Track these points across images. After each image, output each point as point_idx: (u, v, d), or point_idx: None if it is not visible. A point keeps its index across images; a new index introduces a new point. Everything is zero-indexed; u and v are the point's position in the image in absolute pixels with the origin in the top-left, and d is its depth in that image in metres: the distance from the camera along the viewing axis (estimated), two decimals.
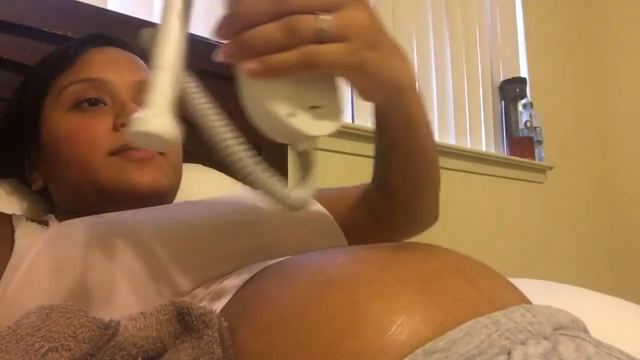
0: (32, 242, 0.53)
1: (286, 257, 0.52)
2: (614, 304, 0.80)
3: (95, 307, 0.47)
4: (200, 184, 0.90)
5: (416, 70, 1.82)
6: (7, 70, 0.84)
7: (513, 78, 2.17)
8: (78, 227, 0.53)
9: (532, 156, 2.13)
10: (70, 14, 0.90)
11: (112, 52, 0.73)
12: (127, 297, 0.48)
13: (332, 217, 0.69)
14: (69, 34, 0.89)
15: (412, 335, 0.37)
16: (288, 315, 0.41)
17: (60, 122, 0.67)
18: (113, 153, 0.64)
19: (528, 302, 0.46)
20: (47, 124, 0.69)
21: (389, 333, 0.37)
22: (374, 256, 0.47)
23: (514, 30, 2.29)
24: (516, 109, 2.14)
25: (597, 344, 0.38)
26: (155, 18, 1.17)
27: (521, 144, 2.12)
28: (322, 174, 1.47)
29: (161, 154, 0.67)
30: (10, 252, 0.53)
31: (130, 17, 1.00)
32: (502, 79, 2.18)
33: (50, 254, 0.51)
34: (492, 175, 2.00)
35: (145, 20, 1.02)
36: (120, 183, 0.63)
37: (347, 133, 1.54)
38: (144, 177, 0.64)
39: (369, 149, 1.66)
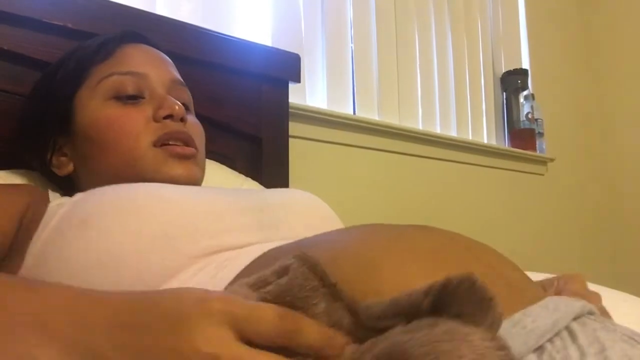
0: (62, 203, 0.59)
1: (298, 240, 0.54)
2: (614, 297, 0.81)
3: (106, 267, 0.50)
4: (211, 175, 0.93)
5: (418, 62, 1.82)
6: (7, 61, 0.84)
7: (514, 69, 2.16)
8: (103, 191, 0.58)
9: (533, 148, 2.13)
10: (70, 5, 0.90)
11: (148, 49, 0.78)
12: (132, 258, 0.51)
13: (332, 211, 0.73)
14: (69, 25, 0.88)
15: None
16: None
17: (101, 109, 0.71)
18: (155, 144, 0.69)
19: (532, 282, 0.49)
20: (85, 110, 0.72)
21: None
22: (386, 230, 0.49)
23: (516, 21, 2.28)
24: (517, 100, 2.13)
25: (602, 321, 0.40)
26: (157, 10, 1.16)
27: (522, 135, 2.11)
28: (323, 165, 1.47)
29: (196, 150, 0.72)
30: (44, 213, 0.59)
31: (132, 8, 0.99)
32: (503, 71, 2.18)
33: (76, 213, 0.56)
34: (493, 167, 2.00)
35: (147, 12, 1.02)
36: (161, 174, 0.68)
37: (348, 125, 1.54)
38: (184, 171, 0.69)
39: (370, 140, 1.68)
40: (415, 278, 0.40)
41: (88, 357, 0.33)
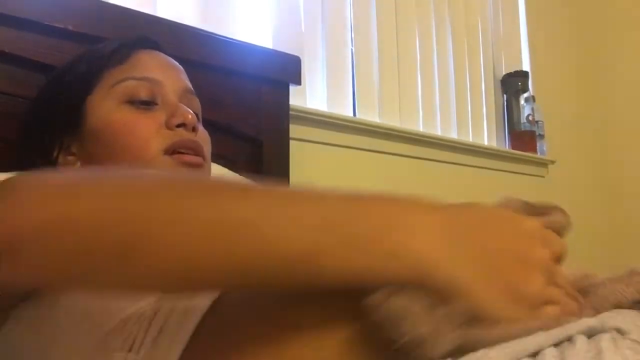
0: None
1: None
2: None
3: None
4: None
5: (418, 64, 1.82)
6: (7, 64, 0.84)
7: (515, 72, 2.16)
8: None
9: (534, 150, 2.13)
10: (71, 8, 0.90)
11: (161, 56, 0.78)
12: None
13: None
14: (70, 27, 0.88)
15: None
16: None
17: (114, 113, 0.71)
18: (166, 152, 0.69)
19: None
20: (98, 113, 0.72)
21: None
22: None
23: (516, 23, 2.28)
24: (518, 102, 2.13)
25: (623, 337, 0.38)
26: (157, 12, 1.17)
27: (523, 137, 2.11)
28: (323, 167, 1.47)
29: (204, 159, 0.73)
30: None
31: (132, 10, 0.99)
32: (504, 73, 2.18)
33: None
34: (493, 169, 2.00)
35: (147, 14, 1.02)
36: None
37: (348, 127, 1.54)
38: None
39: (371, 142, 1.68)
40: None
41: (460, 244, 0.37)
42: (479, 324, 0.35)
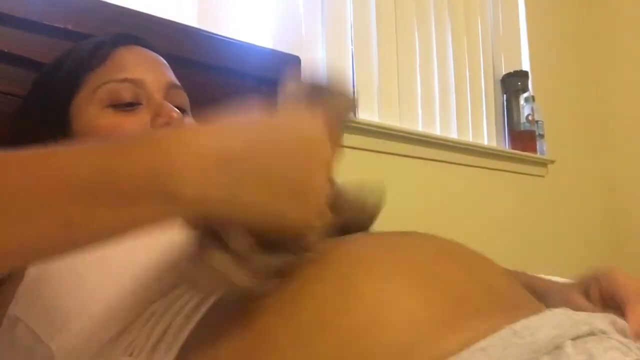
0: None
1: None
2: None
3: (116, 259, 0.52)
4: None
5: (418, 63, 1.82)
6: (7, 64, 0.84)
7: (515, 71, 2.16)
8: None
9: (534, 150, 2.13)
10: (71, 8, 0.90)
11: (142, 52, 0.76)
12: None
13: None
14: (69, 27, 0.88)
15: (405, 315, 0.38)
16: (285, 288, 0.42)
17: (99, 117, 0.70)
18: None
19: (530, 297, 0.47)
20: (82, 118, 0.71)
21: (384, 311, 0.38)
22: (374, 241, 0.49)
23: (516, 23, 2.28)
24: (518, 102, 2.13)
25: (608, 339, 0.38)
26: (158, 12, 1.16)
27: (523, 137, 2.11)
28: None
29: None
30: None
31: (132, 10, 0.99)
32: (504, 72, 2.18)
33: None
34: (493, 169, 2.00)
35: (147, 14, 1.02)
36: None
37: (347, 126, 1.54)
38: None
39: (370, 142, 1.68)
40: (394, 296, 0.40)
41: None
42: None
